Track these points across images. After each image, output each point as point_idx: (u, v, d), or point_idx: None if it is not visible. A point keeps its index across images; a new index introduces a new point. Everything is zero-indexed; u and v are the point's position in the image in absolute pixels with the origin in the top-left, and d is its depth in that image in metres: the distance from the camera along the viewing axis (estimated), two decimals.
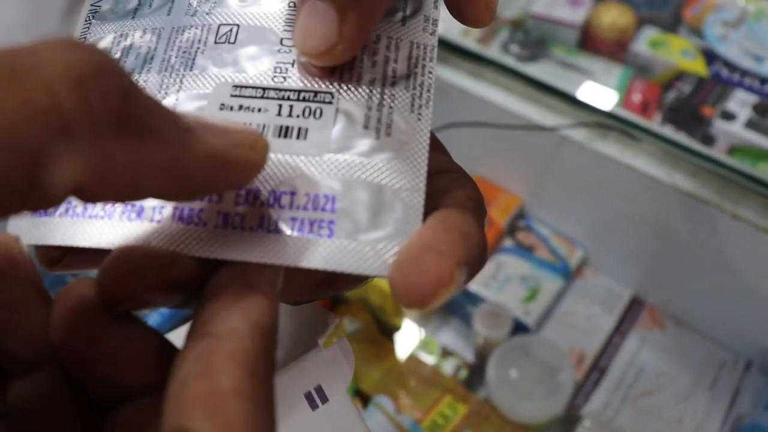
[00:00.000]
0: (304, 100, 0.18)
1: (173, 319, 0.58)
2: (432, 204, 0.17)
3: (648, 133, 0.51)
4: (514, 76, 0.55)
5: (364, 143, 0.17)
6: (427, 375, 0.52)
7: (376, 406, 0.48)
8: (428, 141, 0.18)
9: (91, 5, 0.21)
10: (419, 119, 0.18)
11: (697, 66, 0.79)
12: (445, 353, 0.55)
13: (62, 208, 0.18)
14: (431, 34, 0.19)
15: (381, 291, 0.53)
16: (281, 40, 0.19)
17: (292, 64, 0.18)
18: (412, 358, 0.53)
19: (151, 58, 0.19)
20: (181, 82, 0.19)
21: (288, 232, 0.16)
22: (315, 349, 0.22)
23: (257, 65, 0.19)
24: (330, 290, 0.21)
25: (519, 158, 0.59)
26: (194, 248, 0.16)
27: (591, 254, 0.60)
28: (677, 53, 0.81)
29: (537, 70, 0.81)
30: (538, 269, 0.58)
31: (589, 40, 0.85)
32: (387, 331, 0.56)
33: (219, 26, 0.19)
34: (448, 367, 0.54)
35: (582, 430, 0.49)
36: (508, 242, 0.60)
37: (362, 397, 0.49)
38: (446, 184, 0.19)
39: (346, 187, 0.17)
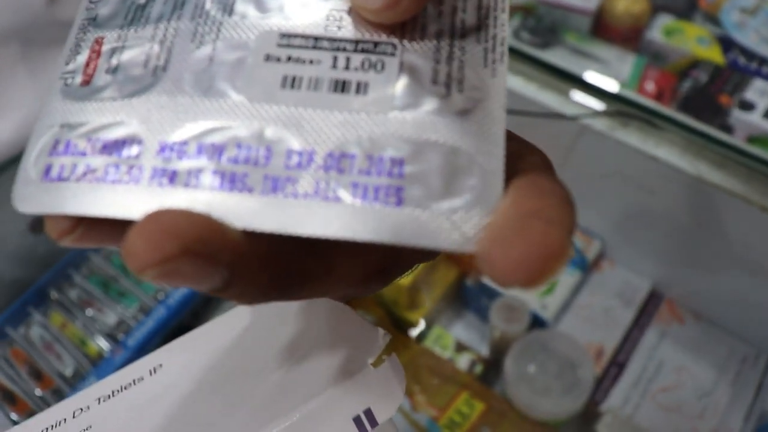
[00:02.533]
0: (362, 51, 0.16)
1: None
2: (508, 170, 0.15)
3: (670, 122, 0.50)
4: (532, 63, 0.53)
5: (434, 100, 0.15)
6: (442, 370, 0.50)
7: None
8: (505, 99, 0.16)
9: None
10: (494, 75, 0.16)
11: (714, 54, 0.78)
12: (460, 348, 0.54)
13: (80, 169, 0.15)
14: None
15: (395, 284, 0.51)
16: None
17: (348, 12, 0.16)
18: (427, 353, 0.52)
19: (182, 3, 0.17)
20: (218, 30, 0.16)
21: (349, 200, 0.14)
22: (365, 368, 0.21)
23: (307, 12, 0.16)
24: (381, 283, 0.19)
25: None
26: (239, 217, 0.14)
27: (609, 246, 0.59)
28: (693, 41, 0.79)
29: (550, 57, 0.79)
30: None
31: (602, 28, 0.83)
32: (401, 326, 0.54)
33: None
34: (463, 361, 0.53)
35: (603, 426, 0.48)
36: None
37: None
38: (518, 148, 0.17)
39: (415, 149, 0.15)
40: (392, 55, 0.16)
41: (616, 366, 0.54)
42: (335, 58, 0.16)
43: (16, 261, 0.54)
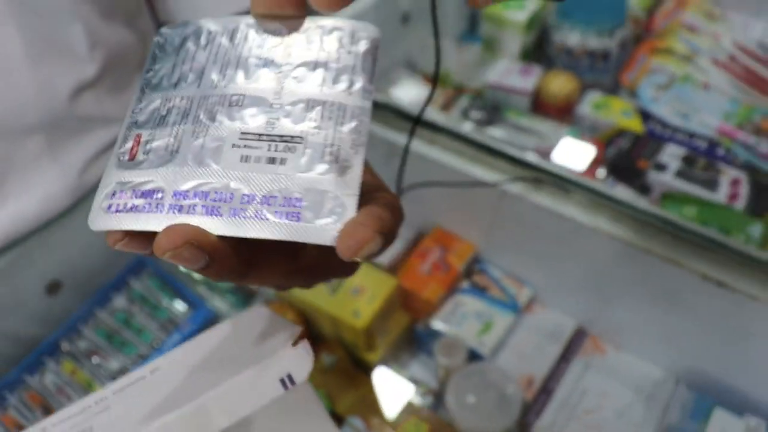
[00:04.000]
0: (284, 141, 0.28)
1: None
2: (364, 202, 0.27)
3: (578, 185, 0.60)
4: (463, 141, 0.65)
5: (321, 167, 0.27)
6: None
7: (349, 426, 0.56)
8: (362, 167, 0.27)
9: (144, 79, 0.31)
10: (357, 153, 0.28)
11: (635, 124, 0.90)
12: (413, 382, 0.63)
13: (128, 205, 0.27)
14: (367, 100, 0.29)
15: (354, 330, 0.61)
16: (271, 104, 0.29)
17: (278, 119, 0.28)
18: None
19: (187, 115, 0.29)
20: (206, 130, 0.28)
21: (272, 219, 0.26)
22: (287, 348, 0.31)
23: (256, 120, 0.28)
24: (302, 279, 0.31)
25: (471, 211, 0.68)
26: (215, 229, 0.26)
27: (539, 292, 0.69)
28: (618, 113, 0.91)
29: (494, 132, 0.91)
30: (491, 306, 0.66)
31: (539, 105, 0.96)
32: (359, 364, 0.64)
33: (231, 95, 0.29)
34: (416, 394, 0.62)
35: None
36: (465, 284, 0.68)
37: (337, 419, 0.57)
38: (376, 190, 0.30)
39: (308, 193, 0.26)
40: (300, 143, 0.28)
41: (545, 393, 0.63)
42: (269, 145, 0.28)
43: (34, 320, 0.64)
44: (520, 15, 0.97)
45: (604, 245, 0.59)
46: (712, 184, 0.79)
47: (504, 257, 0.69)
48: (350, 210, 0.26)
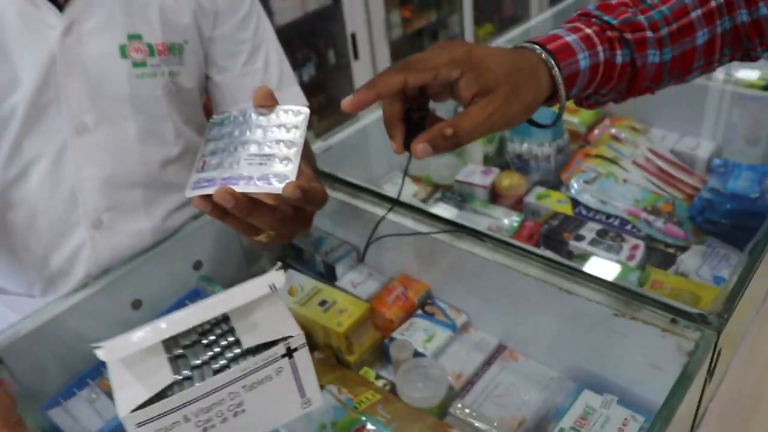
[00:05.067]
0: (266, 157, 0.61)
1: None
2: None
3: (491, 238, 0.88)
4: (432, 217, 0.94)
5: (280, 165, 0.60)
6: (361, 382, 0.85)
7: (327, 391, 0.82)
8: (298, 164, 0.60)
9: (206, 137, 0.65)
10: (295, 159, 0.61)
11: (567, 209, 1.18)
12: (378, 377, 0.89)
13: (201, 186, 0.60)
14: (301, 138, 0.66)
15: (337, 335, 0.88)
16: (260, 143, 0.62)
17: (263, 149, 0.61)
18: (356, 375, 0.87)
19: (225, 150, 0.62)
20: (233, 155, 0.62)
21: (259, 184, 0.59)
22: (274, 271, 0.60)
23: (254, 149, 0.62)
24: (284, 224, 0.63)
25: (428, 262, 0.97)
26: (237, 189, 0.58)
27: (472, 317, 0.95)
28: (554, 201, 1.20)
29: (461, 218, 1.21)
30: (436, 326, 0.92)
31: (496, 196, 1.26)
32: (342, 362, 0.91)
33: (243, 141, 0.63)
34: (379, 383, 0.87)
35: (455, 409, 0.81)
36: (419, 311, 0.96)
37: (320, 387, 0.83)
38: (309, 179, 0.62)
39: (275, 175, 0.59)
40: (272, 157, 0.61)
41: (470, 384, 0.87)
42: (260, 159, 0.61)
43: (120, 328, 0.93)
44: None
45: (522, 282, 0.85)
46: (617, 249, 1.06)
47: (449, 294, 0.96)
48: (291, 177, 0.58)
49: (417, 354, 0.89)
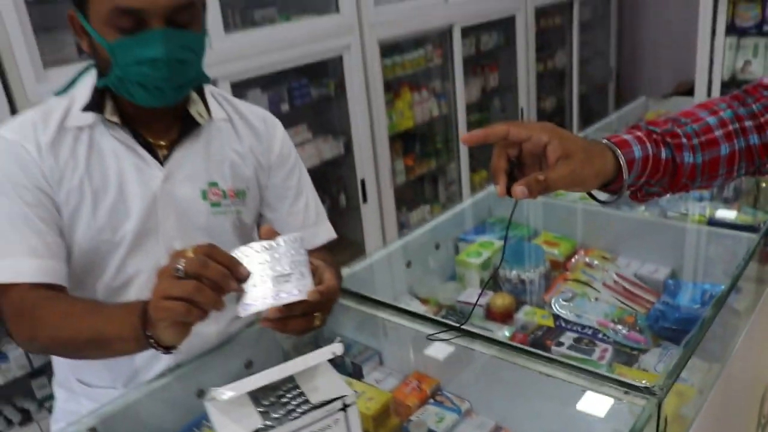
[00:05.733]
0: (286, 275, 0.87)
1: None
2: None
3: (488, 339, 1.13)
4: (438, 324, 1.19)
5: (298, 280, 0.86)
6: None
7: None
8: (311, 276, 0.87)
9: None
10: (307, 272, 0.88)
11: (549, 322, 1.43)
12: None
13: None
14: (306, 262, 0.89)
15: (368, 419, 1.10)
16: (289, 273, 0.86)
17: (287, 271, 0.86)
18: None
19: (255, 274, 0.87)
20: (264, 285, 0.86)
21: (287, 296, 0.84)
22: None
23: (287, 270, 0.86)
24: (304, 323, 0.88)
25: (434, 362, 1.20)
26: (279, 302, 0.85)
27: (474, 404, 1.17)
28: (539, 317, 1.45)
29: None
30: (445, 411, 1.13)
31: (490, 313, 1.51)
32: None
33: (279, 273, 0.87)
34: None
35: None
36: (431, 400, 1.18)
37: None
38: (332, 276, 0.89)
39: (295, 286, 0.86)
40: (292, 274, 0.87)
41: None
42: (286, 277, 0.88)
43: (186, 414, 1.14)
44: (477, 260, 1.58)
45: (512, 373, 1.08)
46: (590, 352, 1.30)
47: (453, 386, 1.19)
48: (310, 287, 0.84)
49: (430, 431, 1.10)
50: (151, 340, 0.90)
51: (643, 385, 0.96)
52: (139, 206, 1.08)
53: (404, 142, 3.61)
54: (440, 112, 3.71)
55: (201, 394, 1.16)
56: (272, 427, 0.79)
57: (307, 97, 2.85)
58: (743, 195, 1.80)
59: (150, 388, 1.12)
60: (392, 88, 3.38)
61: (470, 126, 3.82)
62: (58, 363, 1.23)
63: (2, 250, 1.02)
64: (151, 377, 1.14)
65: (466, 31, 3.60)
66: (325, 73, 2.95)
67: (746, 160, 0.95)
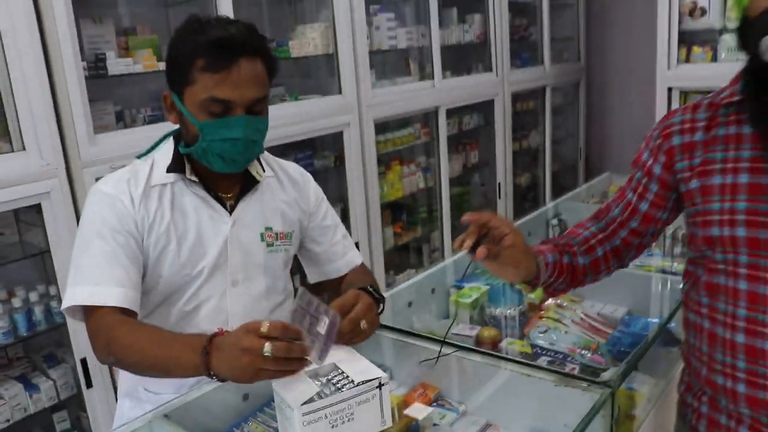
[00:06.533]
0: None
1: None
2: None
3: (478, 351, 1.42)
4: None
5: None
6: None
7: None
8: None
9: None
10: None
11: (527, 349, 1.73)
12: None
13: None
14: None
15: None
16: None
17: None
18: None
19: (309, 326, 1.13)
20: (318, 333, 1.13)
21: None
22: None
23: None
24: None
25: (436, 374, 1.49)
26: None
27: (468, 406, 1.45)
28: (520, 345, 1.75)
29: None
30: (445, 411, 1.42)
31: (479, 343, 1.80)
32: None
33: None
34: None
35: None
36: (434, 403, 1.46)
37: None
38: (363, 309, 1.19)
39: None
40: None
41: None
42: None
43: (233, 414, 1.40)
44: (468, 299, 1.89)
45: (498, 378, 1.37)
46: (563, 366, 1.60)
47: (454, 392, 1.47)
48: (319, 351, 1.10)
49: (434, 425, 1.39)
50: (211, 373, 1.11)
51: (600, 380, 1.27)
52: (213, 247, 1.37)
53: (393, 211, 3.96)
54: (426, 185, 4.07)
55: (246, 398, 1.44)
56: (327, 395, 1.08)
57: (310, 167, 3.20)
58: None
59: (203, 390, 1.39)
60: (384, 161, 3.74)
61: (453, 198, 4.19)
62: (126, 375, 1.49)
63: (96, 279, 1.27)
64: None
65: (450, 112, 4.02)
66: (326, 146, 3.31)
67: (614, 258, 1.31)
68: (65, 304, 1.28)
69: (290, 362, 1.05)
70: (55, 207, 2.15)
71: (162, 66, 2.48)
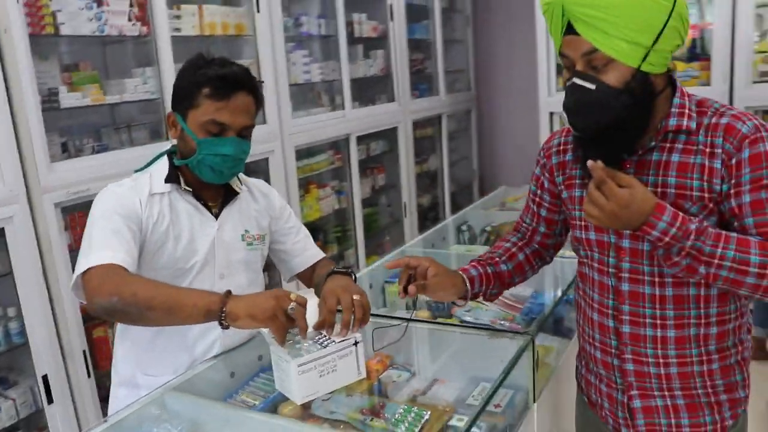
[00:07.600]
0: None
1: None
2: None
3: (424, 321, 1.76)
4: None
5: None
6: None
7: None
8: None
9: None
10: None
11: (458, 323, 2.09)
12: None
13: None
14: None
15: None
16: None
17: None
18: None
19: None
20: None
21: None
22: None
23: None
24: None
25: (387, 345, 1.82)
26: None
27: (419, 368, 1.79)
28: (452, 322, 2.11)
29: None
30: (401, 371, 1.76)
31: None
32: None
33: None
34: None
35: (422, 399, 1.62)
36: (391, 367, 1.79)
37: None
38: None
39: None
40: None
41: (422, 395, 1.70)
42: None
43: (247, 371, 1.64)
44: None
45: (441, 339, 1.71)
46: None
47: (405, 357, 1.80)
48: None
49: (393, 381, 1.72)
50: (222, 314, 1.36)
51: (521, 330, 1.64)
52: (203, 246, 1.65)
53: (312, 231, 4.24)
54: (340, 206, 4.41)
55: (233, 375, 1.71)
56: (311, 350, 1.38)
57: None
58: None
59: (200, 369, 1.65)
60: (302, 185, 4.06)
61: (364, 217, 4.55)
62: (124, 363, 1.72)
63: (104, 246, 1.47)
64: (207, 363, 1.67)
65: (360, 139, 4.39)
66: (253, 171, 3.59)
67: (538, 258, 1.62)
68: (78, 271, 1.45)
69: (297, 325, 1.35)
70: (17, 231, 2.31)
71: (109, 99, 2.71)
